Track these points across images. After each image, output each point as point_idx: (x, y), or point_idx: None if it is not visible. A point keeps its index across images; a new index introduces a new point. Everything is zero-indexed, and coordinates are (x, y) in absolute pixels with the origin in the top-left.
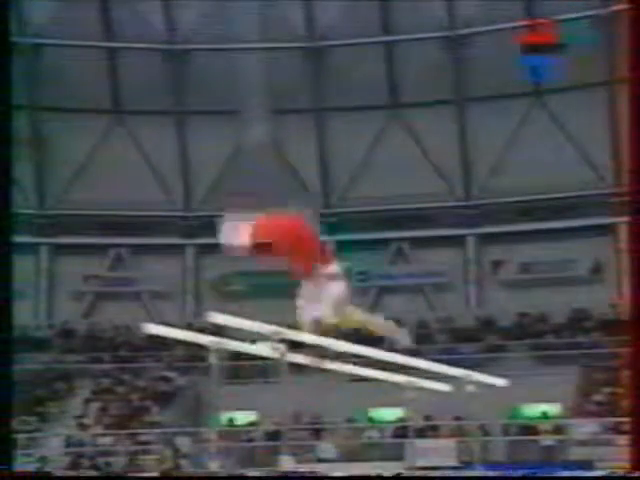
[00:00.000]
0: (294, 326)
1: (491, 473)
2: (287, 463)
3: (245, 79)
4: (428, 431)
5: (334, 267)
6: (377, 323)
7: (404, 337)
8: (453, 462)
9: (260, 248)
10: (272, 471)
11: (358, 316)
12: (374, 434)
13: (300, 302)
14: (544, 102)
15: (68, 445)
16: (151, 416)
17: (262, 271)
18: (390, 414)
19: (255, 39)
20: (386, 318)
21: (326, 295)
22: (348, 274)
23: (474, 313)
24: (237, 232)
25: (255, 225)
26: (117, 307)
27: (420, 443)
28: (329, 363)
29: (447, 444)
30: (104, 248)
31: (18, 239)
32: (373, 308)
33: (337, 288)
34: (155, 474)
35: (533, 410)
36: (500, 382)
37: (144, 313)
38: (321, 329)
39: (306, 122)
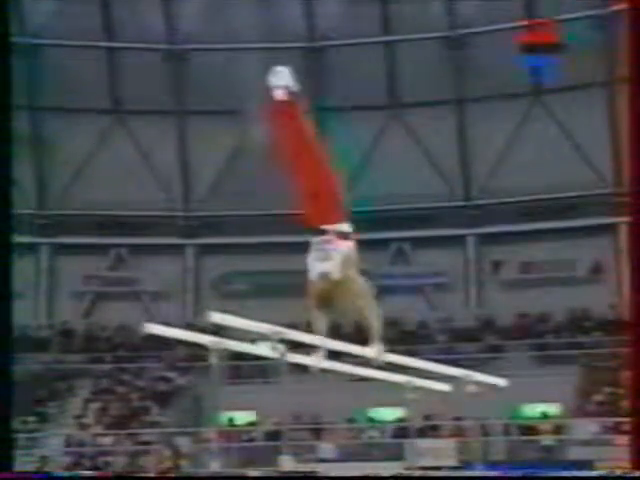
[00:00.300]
0: (294, 326)
1: (491, 473)
2: (287, 463)
3: (245, 79)
4: (428, 431)
5: (346, 226)
6: (371, 313)
7: (377, 350)
8: (453, 462)
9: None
10: (272, 471)
11: (358, 287)
12: (374, 434)
13: (310, 259)
14: (544, 102)
15: (68, 445)
16: (151, 416)
17: (262, 271)
18: (390, 414)
19: (255, 39)
20: (386, 319)
21: (334, 252)
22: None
23: (474, 313)
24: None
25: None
26: (117, 307)
27: (420, 443)
28: (328, 363)
29: (447, 444)
30: (104, 248)
31: (18, 239)
32: None
33: (346, 245)
34: (155, 474)
35: (533, 410)
36: (500, 382)
37: (144, 313)
38: (327, 285)
39: None
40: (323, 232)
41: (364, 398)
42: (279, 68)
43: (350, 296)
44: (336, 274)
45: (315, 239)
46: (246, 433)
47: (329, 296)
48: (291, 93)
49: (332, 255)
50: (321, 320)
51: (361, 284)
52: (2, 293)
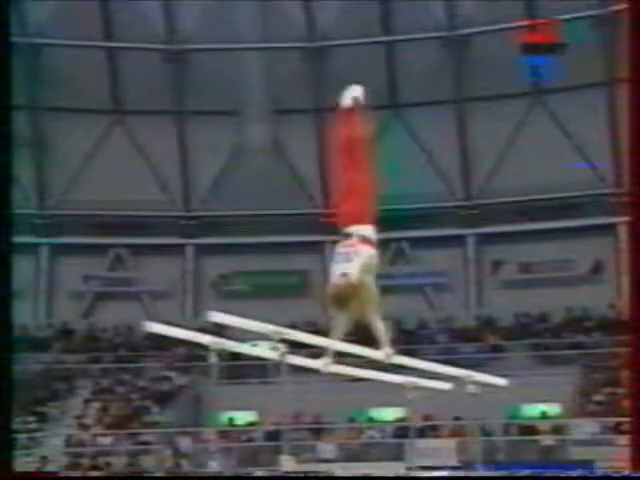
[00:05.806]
0: (294, 326)
1: (491, 473)
2: (287, 463)
3: (245, 79)
4: (428, 431)
5: (370, 231)
6: (377, 319)
7: (386, 353)
8: (453, 462)
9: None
10: (272, 471)
11: (370, 295)
12: (374, 434)
13: (333, 265)
14: (544, 102)
15: (68, 445)
16: (151, 416)
17: (262, 271)
18: (390, 414)
19: (255, 39)
20: (386, 319)
21: (356, 255)
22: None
23: (474, 313)
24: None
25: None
26: (117, 307)
27: (420, 443)
28: (328, 364)
29: (447, 444)
30: (104, 248)
31: (18, 239)
32: None
33: (368, 251)
34: (155, 474)
35: (533, 410)
36: (500, 382)
37: (144, 313)
38: (345, 287)
39: (306, 122)
40: (348, 235)
41: (364, 398)
42: (356, 86)
43: (362, 301)
44: (354, 277)
45: (339, 243)
46: (246, 433)
47: (346, 299)
48: (358, 104)
49: (353, 259)
50: (340, 322)
51: (373, 292)
52: (2, 293)
